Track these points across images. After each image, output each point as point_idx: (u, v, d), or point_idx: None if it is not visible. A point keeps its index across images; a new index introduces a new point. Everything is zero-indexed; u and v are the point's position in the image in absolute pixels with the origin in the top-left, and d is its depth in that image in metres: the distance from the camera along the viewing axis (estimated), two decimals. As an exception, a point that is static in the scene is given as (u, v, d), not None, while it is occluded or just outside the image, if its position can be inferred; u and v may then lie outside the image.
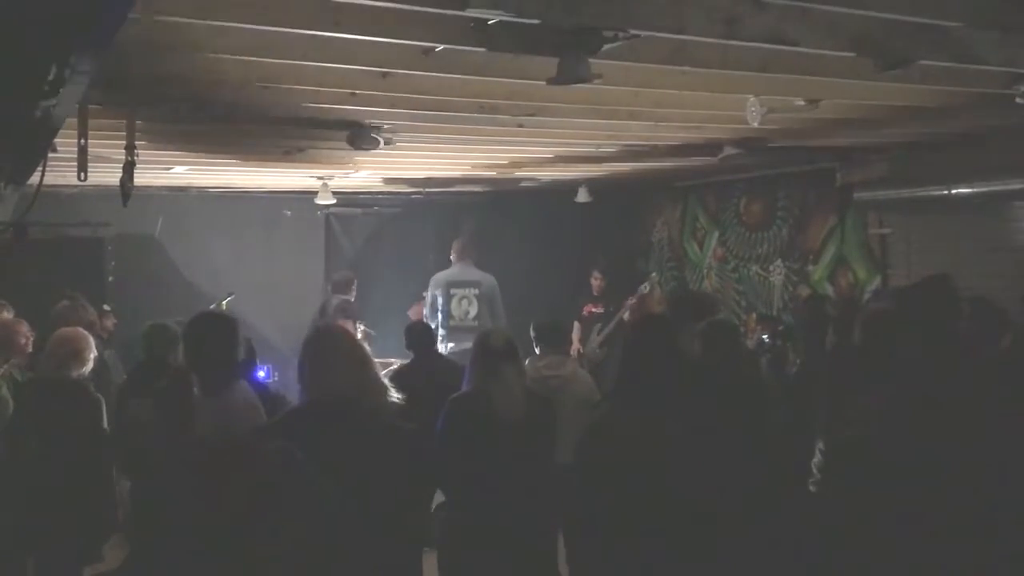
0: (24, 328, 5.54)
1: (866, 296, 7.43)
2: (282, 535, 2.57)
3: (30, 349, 5.51)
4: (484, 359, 4.07)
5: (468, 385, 4.11)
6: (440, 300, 8.10)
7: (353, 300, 8.53)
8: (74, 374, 4.93)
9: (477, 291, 8.00)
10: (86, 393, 4.97)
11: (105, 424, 4.95)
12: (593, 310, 8.84)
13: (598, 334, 8.70)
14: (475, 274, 8.07)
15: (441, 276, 8.17)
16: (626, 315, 8.68)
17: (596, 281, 8.92)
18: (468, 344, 7.05)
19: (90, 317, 6.51)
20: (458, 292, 8.11)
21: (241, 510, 2.56)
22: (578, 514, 3.37)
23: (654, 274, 9.74)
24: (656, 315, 4.65)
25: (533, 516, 4.01)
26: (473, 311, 7.95)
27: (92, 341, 5.14)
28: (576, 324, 8.82)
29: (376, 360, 6.92)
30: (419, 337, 5.77)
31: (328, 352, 3.42)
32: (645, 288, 8.84)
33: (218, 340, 3.74)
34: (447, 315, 7.88)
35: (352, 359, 3.40)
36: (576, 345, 8.70)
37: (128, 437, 4.82)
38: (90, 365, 5.06)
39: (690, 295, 7.72)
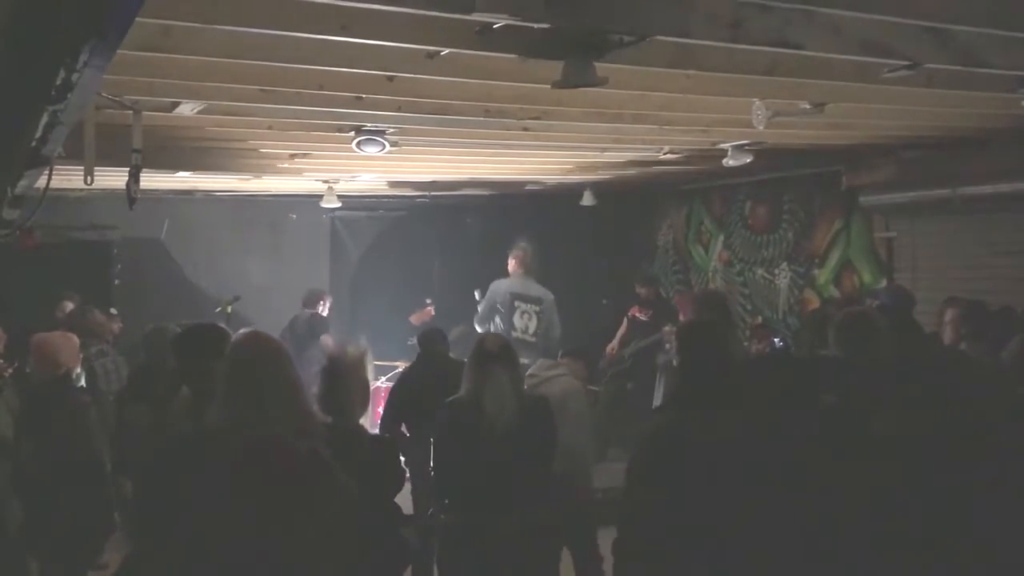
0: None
1: (867, 299, 7.43)
2: (309, 532, 2.56)
3: (0, 348, 5.55)
4: (478, 363, 4.08)
5: (463, 389, 4.12)
6: (502, 310, 7.93)
7: (323, 314, 8.55)
8: (57, 377, 4.93)
9: (539, 308, 7.89)
10: (72, 395, 4.97)
11: (95, 426, 4.94)
12: (638, 314, 8.79)
13: (639, 342, 8.65)
14: (538, 290, 7.99)
15: (504, 286, 7.95)
16: (667, 345, 8.44)
17: (641, 291, 8.94)
18: (524, 359, 7.01)
19: (94, 321, 6.54)
20: (522, 306, 7.97)
21: (269, 507, 2.54)
22: (632, 520, 3.29)
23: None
24: (707, 320, 4.56)
25: (529, 519, 4.02)
26: (533, 326, 7.85)
27: (74, 344, 5.13)
28: (624, 322, 8.86)
29: (379, 363, 6.94)
30: (427, 339, 5.83)
31: (240, 375, 2.95)
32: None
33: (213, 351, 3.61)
34: (510, 326, 7.76)
35: (269, 384, 2.92)
36: (614, 343, 8.75)
37: (127, 441, 4.84)
38: (75, 368, 5.05)
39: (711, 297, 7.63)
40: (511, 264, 8.00)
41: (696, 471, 3.00)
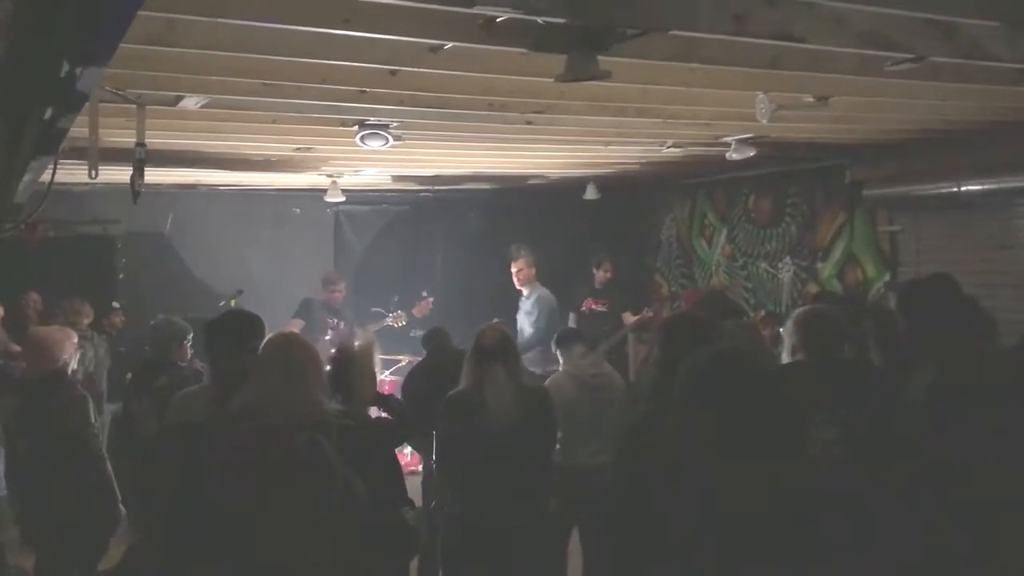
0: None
1: (879, 291, 7.43)
2: (307, 523, 2.57)
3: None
4: (476, 357, 4.10)
5: (463, 383, 4.14)
6: None
7: (324, 299, 8.42)
8: (54, 371, 4.93)
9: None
10: (70, 390, 4.97)
11: (93, 420, 4.95)
12: (594, 307, 8.47)
13: (609, 339, 8.34)
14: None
15: None
16: (630, 335, 8.50)
17: (604, 274, 8.52)
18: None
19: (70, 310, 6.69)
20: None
21: (266, 497, 2.56)
22: (618, 515, 3.30)
23: (656, 304, 9.47)
24: (687, 313, 4.55)
25: (530, 512, 4.03)
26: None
27: (72, 339, 5.14)
28: (572, 318, 8.63)
29: (383, 356, 6.95)
30: (430, 339, 5.83)
31: (266, 368, 3.26)
32: (648, 313, 8.44)
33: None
34: None
35: (275, 368, 3.23)
36: None
37: (132, 434, 4.86)
38: (70, 363, 5.06)
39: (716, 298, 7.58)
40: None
41: (678, 469, 3.00)
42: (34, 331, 5.15)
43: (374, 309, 8.79)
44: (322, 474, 2.56)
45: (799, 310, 4.00)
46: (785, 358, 3.80)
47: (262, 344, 3.48)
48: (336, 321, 8.31)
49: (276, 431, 2.71)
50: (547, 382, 5.15)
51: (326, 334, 7.94)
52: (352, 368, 3.81)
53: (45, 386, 4.87)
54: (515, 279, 8.17)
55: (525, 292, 8.17)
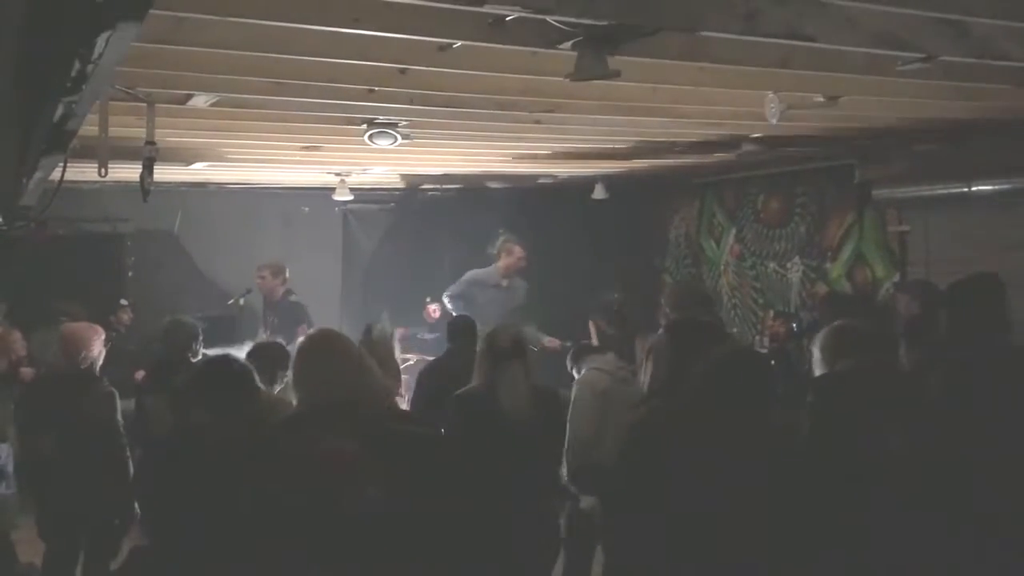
0: (16, 336, 5.72)
1: (888, 290, 7.42)
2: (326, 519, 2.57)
3: (23, 353, 5.67)
4: (491, 357, 4.09)
5: (475, 381, 4.14)
6: None
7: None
8: (83, 369, 4.97)
9: None
10: (98, 385, 5.00)
11: (119, 416, 4.98)
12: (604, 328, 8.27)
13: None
14: None
15: None
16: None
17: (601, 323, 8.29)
18: None
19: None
20: None
21: (286, 504, 2.56)
22: (619, 509, 3.33)
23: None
24: (690, 318, 4.52)
25: (537, 511, 4.03)
26: None
27: (101, 336, 5.18)
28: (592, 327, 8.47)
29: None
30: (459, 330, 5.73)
31: (322, 356, 3.24)
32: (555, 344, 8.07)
33: None
34: None
35: (348, 362, 3.21)
36: (557, 343, 8.06)
37: (145, 431, 4.87)
38: (98, 359, 5.09)
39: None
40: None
41: (679, 464, 3.02)
42: (67, 327, 5.21)
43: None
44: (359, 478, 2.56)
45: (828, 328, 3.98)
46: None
47: (301, 343, 3.47)
48: (272, 318, 7.86)
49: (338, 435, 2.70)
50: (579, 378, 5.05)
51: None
52: (378, 362, 3.75)
53: (75, 382, 4.90)
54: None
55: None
